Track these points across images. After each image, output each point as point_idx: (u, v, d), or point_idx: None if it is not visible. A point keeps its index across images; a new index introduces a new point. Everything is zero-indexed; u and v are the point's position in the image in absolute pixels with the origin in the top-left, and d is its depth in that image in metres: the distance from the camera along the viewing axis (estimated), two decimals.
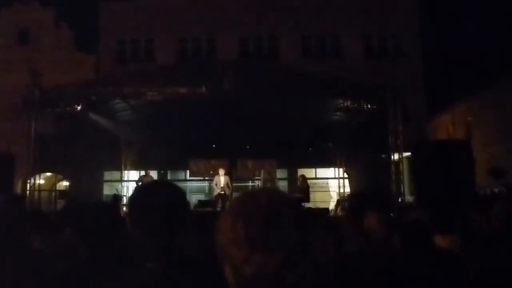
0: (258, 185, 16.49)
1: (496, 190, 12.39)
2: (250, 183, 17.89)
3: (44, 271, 2.11)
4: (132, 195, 1.88)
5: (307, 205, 13.02)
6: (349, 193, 15.70)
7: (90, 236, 2.08)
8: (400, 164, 10.89)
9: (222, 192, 13.99)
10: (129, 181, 17.35)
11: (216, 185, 14.25)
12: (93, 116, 12.52)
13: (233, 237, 1.06)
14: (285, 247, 1.03)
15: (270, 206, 1.08)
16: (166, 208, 1.63)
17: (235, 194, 15.14)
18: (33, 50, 20.51)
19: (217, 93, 10.96)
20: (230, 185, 14.35)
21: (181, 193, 1.77)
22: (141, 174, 15.88)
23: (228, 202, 13.71)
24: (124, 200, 15.37)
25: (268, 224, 1.05)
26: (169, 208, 1.64)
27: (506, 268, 2.62)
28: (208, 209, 13.12)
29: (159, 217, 1.61)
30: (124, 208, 13.44)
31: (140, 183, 14.37)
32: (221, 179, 14.21)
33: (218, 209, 12.96)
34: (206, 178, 17.33)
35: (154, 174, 16.69)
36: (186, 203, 1.78)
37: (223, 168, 14.79)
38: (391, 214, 2.93)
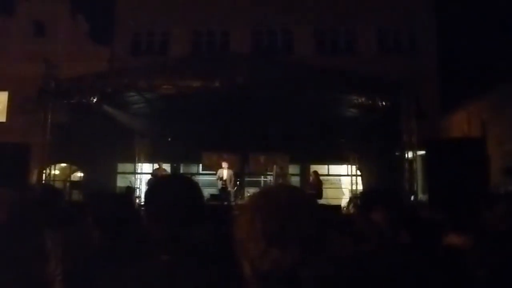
0: (270, 180, 16.48)
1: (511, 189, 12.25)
2: (262, 178, 17.90)
3: (65, 261, 2.16)
4: (147, 188, 1.91)
5: (319, 201, 12.98)
6: (361, 190, 15.64)
7: (107, 228, 2.11)
8: (414, 162, 10.81)
9: (224, 186, 13.96)
10: (142, 174, 17.47)
11: (219, 179, 14.24)
12: (107, 108, 12.62)
13: (251, 232, 1.08)
14: (301, 243, 1.05)
15: (288, 202, 1.10)
16: (181, 202, 1.65)
17: (251, 190, 15.17)
18: (49, 42, 20.66)
19: (230, 86, 10.96)
20: (233, 179, 14.31)
21: (196, 187, 1.79)
22: (155, 167, 15.96)
23: (230, 197, 13.79)
24: (137, 193, 15.48)
25: (286, 220, 1.07)
26: (184, 202, 1.66)
27: None
28: (216, 202, 13.15)
29: (174, 210, 1.63)
30: (137, 201, 13.55)
31: (153, 176, 14.47)
32: (224, 172, 14.18)
33: (225, 203, 12.96)
34: None
35: (167, 167, 16.79)
36: (200, 197, 1.79)
37: (227, 161, 14.78)
38: (404, 213, 2.93)
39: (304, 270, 1.03)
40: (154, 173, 14.99)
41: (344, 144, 17.00)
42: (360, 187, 16.57)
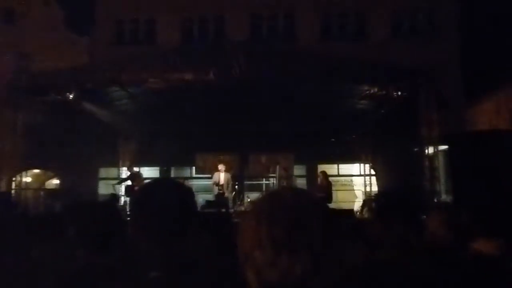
0: (273, 183, 16.50)
1: None
2: (264, 181, 17.91)
3: (42, 278, 2.16)
4: (134, 196, 1.90)
5: (329, 205, 12.98)
6: (376, 192, 15.65)
7: (88, 242, 2.11)
8: (435, 158, 10.82)
9: (221, 191, 13.93)
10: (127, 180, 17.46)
11: (215, 183, 14.21)
12: (87, 105, 12.60)
13: (256, 239, 1.09)
14: (312, 250, 1.06)
15: (296, 206, 1.12)
16: (172, 210, 1.65)
17: (251, 195, 15.16)
18: (20, 31, 20.67)
19: (226, 79, 10.97)
20: (230, 183, 14.28)
21: (189, 194, 1.78)
22: (128, 174, 15.78)
23: (228, 203, 13.73)
24: (122, 201, 15.49)
25: (294, 225, 1.08)
26: (176, 210, 1.66)
27: None
28: (212, 210, 13.10)
29: (164, 220, 1.62)
30: (123, 210, 13.56)
31: (129, 182, 14.40)
32: (221, 176, 14.15)
33: (223, 210, 12.92)
34: None
35: (156, 171, 16.79)
36: (194, 205, 1.79)
37: (223, 164, 14.76)
38: (425, 216, 2.94)
39: (314, 280, 1.04)
40: (130, 178, 14.81)
41: (356, 141, 17.01)
42: (374, 188, 16.59)
